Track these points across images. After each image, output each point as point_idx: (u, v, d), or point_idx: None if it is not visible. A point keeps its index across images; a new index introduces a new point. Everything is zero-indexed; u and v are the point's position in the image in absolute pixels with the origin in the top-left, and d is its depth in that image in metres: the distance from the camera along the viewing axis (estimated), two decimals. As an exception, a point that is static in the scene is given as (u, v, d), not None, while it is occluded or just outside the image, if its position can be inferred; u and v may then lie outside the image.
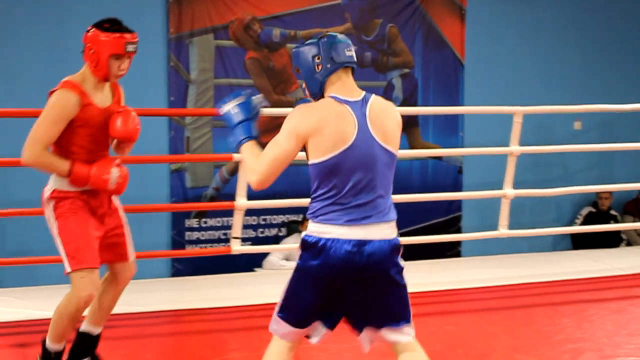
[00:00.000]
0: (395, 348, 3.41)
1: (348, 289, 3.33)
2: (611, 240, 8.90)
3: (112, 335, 5.14)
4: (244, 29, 7.97)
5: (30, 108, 6.31)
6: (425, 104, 8.58)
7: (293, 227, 7.86)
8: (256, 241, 8.07)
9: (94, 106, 3.95)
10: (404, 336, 3.38)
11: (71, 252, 3.89)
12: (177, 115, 7.80)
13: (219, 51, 7.92)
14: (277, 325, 3.45)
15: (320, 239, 3.30)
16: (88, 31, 3.98)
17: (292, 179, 8.11)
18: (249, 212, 7.77)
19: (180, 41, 7.75)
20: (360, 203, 3.31)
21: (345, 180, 3.31)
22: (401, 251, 3.39)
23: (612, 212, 9.15)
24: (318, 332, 3.44)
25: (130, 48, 4.03)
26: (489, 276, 6.77)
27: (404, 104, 8.51)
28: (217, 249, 6.97)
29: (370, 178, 3.32)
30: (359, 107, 3.34)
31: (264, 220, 8.16)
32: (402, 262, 3.38)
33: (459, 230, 8.74)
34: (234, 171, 7.61)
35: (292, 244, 7.18)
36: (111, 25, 3.99)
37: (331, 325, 3.43)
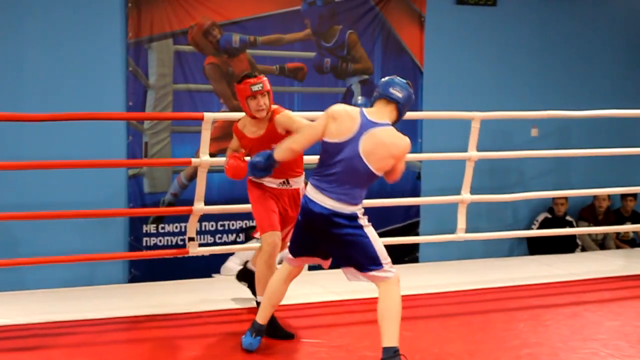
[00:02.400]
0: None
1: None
2: (566, 246, 9.00)
3: (67, 343, 5.10)
4: (203, 35, 7.95)
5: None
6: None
7: (251, 233, 7.84)
8: (214, 247, 8.04)
9: (246, 137, 5.37)
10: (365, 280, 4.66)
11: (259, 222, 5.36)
12: (135, 120, 7.76)
13: (178, 56, 7.88)
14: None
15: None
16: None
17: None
18: (207, 218, 7.75)
19: (139, 46, 7.70)
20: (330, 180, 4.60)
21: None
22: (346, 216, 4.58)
23: (568, 217, 9.25)
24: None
25: (255, 88, 5.14)
26: (446, 282, 6.81)
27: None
28: (174, 251, 6.92)
29: (341, 170, 4.55)
30: (369, 125, 4.54)
31: (222, 226, 8.14)
32: (355, 223, 4.59)
33: (417, 236, 8.77)
34: (192, 177, 7.58)
35: (249, 245, 7.16)
36: (243, 77, 5.23)
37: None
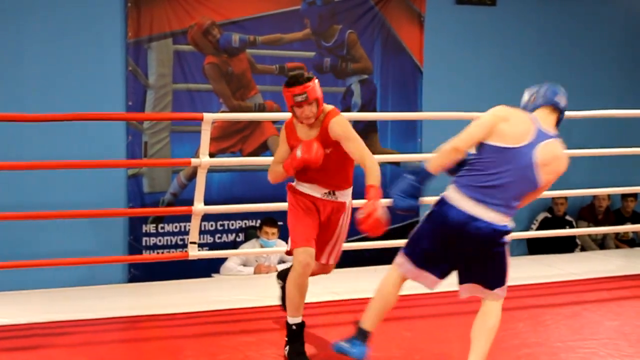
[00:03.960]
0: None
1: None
2: (566, 246, 9.00)
3: (66, 343, 5.10)
4: (203, 34, 7.95)
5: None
6: (384, 109, 8.62)
7: (251, 233, 7.84)
8: (214, 247, 8.05)
9: (298, 138, 4.77)
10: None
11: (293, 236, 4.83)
12: (135, 120, 7.76)
13: (177, 56, 7.89)
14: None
15: None
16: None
17: (249, 185, 8.15)
18: (207, 218, 7.75)
19: (138, 46, 7.71)
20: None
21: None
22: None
23: (568, 217, 9.25)
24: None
25: (298, 99, 4.58)
26: (445, 281, 6.79)
27: (362, 109, 8.54)
28: (174, 254, 6.94)
29: (510, 181, 4.06)
30: (544, 135, 4.15)
31: (222, 225, 8.14)
32: (505, 239, 4.16)
33: (416, 236, 8.76)
34: (192, 176, 7.59)
35: (249, 249, 7.17)
36: (289, 80, 4.65)
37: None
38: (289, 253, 4.82)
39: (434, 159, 4.16)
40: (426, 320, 5.73)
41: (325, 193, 4.78)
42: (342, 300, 6.07)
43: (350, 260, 7.12)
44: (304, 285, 4.63)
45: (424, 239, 4.26)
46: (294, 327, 4.66)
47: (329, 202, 4.80)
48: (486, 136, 4.11)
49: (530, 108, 4.33)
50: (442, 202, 4.21)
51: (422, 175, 4.20)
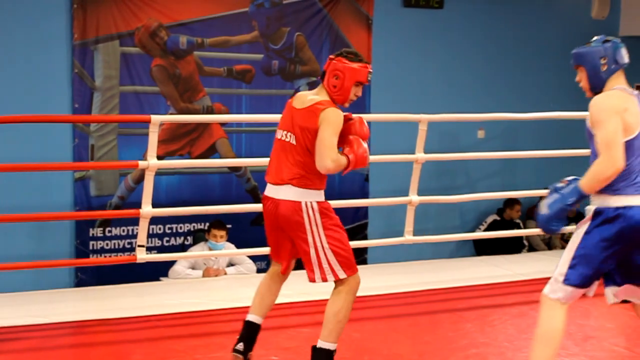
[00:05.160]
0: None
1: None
2: (513, 247, 9.10)
3: (14, 348, 5.03)
4: (150, 36, 7.90)
5: None
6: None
7: (199, 236, 7.80)
8: (162, 250, 8.00)
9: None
10: None
11: (344, 260, 4.33)
12: (81, 123, 7.68)
13: (124, 58, 7.82)
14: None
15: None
16: (332, 59, 4.37)
17: (198, 188, 8.12)
18: (155, 221, 7.70)
19: (84, 47, 7.63)
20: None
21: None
22: None
23: (516, 220, 9.35)
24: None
25: (370, 77, 4.38)
26: (394, 283, 6.84)
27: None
28: (122, 258, 6.88)
29: None
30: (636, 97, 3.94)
31: (170, 229, 8.09)
32: None
33: (365, 238, 8.81)
34: (140, 179, 7.52)
35: (198, 252, 7.14)
36: (356, 56, 4.38)
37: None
38: (336, 280, 4.37)
39: (592, 183, 3.93)
40: (375, 321, 5.74)
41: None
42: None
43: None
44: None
45: (602, 255, 3.98)
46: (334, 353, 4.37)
47: None
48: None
49: (605, 77, 4.07)
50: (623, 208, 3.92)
51: (578, 199, 4.00)
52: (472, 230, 9.38)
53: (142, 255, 6.08)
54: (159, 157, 6.22)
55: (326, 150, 4.22)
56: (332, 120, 4.25)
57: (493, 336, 5.42)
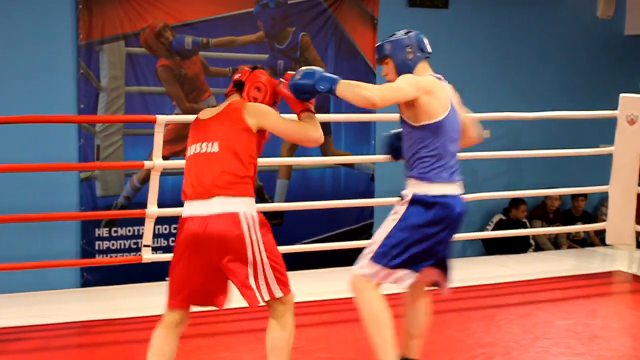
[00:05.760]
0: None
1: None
2: (519, 246, 9.09)
3: (20, 348, 5.05)
4: (155, 37, 7.90)
5: None
6: (338, 111, 8.63)
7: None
8: (168, 250, 7.99)
9: None
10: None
11: (282, 278, 3.98)
12: (87, 123, 7.69)
13: (130, 58, 7.83)
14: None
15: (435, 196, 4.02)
16: (250, 71, 4.30)
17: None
18: (160, 221, 7.69)
19: (90, 48, 7.64)
20: (451, 163, 4.11)
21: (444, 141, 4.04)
22: None
23: (522, 219, 9.34)
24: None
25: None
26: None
27: (316, 111, 8.50)
28: (128, 258, 6.88)
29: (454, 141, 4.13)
30: (446, 84, 4.20)
31: (176, 228, 8.08)
32: None
33: (370, 238, 8.78)
34: (145, 179, 7.53)
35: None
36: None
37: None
38: (273, 300, 3.97)
39: (348, 92, 4.07)
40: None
41: None
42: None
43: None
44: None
45: (419, 245, 4.15)
46: None
47: None
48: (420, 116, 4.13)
49: (412, 64, 4.23)
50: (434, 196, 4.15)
51: (324, 90, 4.11)
52: (478, 230, 9.36)
53: (147, 255, 6.10)
54: (165, 157, 6.23)
55: (298, 133, 4.03)
56: (264, 109, 4.05)
57: (499, 336, 5.42)
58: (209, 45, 8.13)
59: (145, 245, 6.10)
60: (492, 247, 9.10)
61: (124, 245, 7.88)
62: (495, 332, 5.50)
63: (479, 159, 7.44)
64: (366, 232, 8.85)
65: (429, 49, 4.28)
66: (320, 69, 4.06)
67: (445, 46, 9.24)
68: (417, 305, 4.33)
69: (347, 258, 8.33)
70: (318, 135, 4.02)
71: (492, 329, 5.58)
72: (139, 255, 6.17)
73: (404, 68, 4.17)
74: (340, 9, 8.65)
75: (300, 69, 4.10)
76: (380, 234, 4.14)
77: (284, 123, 4.01)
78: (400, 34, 4.25)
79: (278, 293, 3.91)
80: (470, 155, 7.95)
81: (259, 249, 3.84)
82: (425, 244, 4.07)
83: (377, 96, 3.93)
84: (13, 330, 5.37)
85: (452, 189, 4.13)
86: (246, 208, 3.85)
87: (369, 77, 8.76)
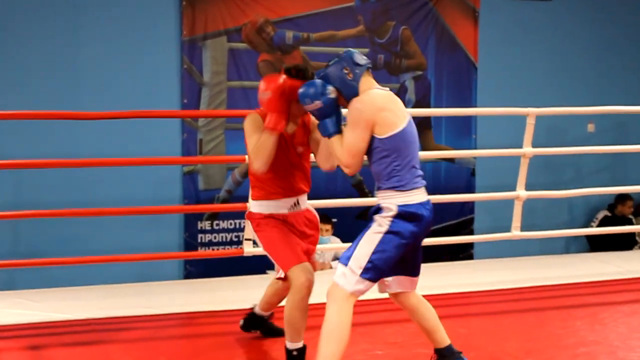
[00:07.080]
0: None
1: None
2: (625, 243, 8.87)
3: (124, 338, 5.17)
4: (256, 32, 7.98)
5: (40, 111, 6.38)
6: (438, 105, 8.58)
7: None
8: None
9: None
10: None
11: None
12: (190, 117, 7.82)
13: (232, 54, 7.93)
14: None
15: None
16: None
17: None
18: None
19: (193, 44, 7.76)
20: (419, 169, 4.11)
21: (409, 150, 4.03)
22: None
23: (628, 215, 9.12)
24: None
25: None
26: (501, 279, 6.76)
27: (416, 105, 8.50)
28: (229, 251, 6.97)
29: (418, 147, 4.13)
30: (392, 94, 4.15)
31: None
32: None
33: (471, 233, 8.74)
34: (247, 173, 7.61)
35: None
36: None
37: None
38: (283, 278, 4.54)
39: (331, 151, 4.24)
40: (481, 318, 5.70)
41: (292, 205, 4.56)
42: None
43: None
44: (307, 307, 4.37)
45: (393, 254, 4.09)
46: (294, 352, 4.44)
47: (298, 214, 4.59)
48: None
49: (355, 83, 4.11)
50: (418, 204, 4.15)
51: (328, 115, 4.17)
52: (582, 227, 9.18)
53: (249, 249, 6.17)
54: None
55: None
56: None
57: (603, 335, 5.30)
58: (309, 40, 8.17)
59: (246, 239, 6.17)
60: (597, 244, 8.91)
61: (226, 238, 7.99)
62: (599, 331, 5.37)
63: (582, 154, 7.30)
64: (467, 227, 8.78)
65: (365, 60, 4.16)
66: (340, 112, 4.14)
67: (547, 39, 9.09)
68: (413, 302, 4.29)
69: (447, 253, 8.31)
70: (255, 166, 4.36)
71: (596, 327, 5.46)
72: (241, 248, 6.25)
73: (349, 89, 4.08)
74: (441, 2, 8.58)
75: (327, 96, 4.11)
76: (365, 247, 4.00)
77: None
78: (332, 61, 4.15)
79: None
80: (574, 150, 7.82)
81: None
82: (404, 254, 4.08)
83: (345, 164, 4.05)
84: (118, 320, 5.50)
85: (424, 194, 4.12)
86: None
87: (470, 70, 8.68)
